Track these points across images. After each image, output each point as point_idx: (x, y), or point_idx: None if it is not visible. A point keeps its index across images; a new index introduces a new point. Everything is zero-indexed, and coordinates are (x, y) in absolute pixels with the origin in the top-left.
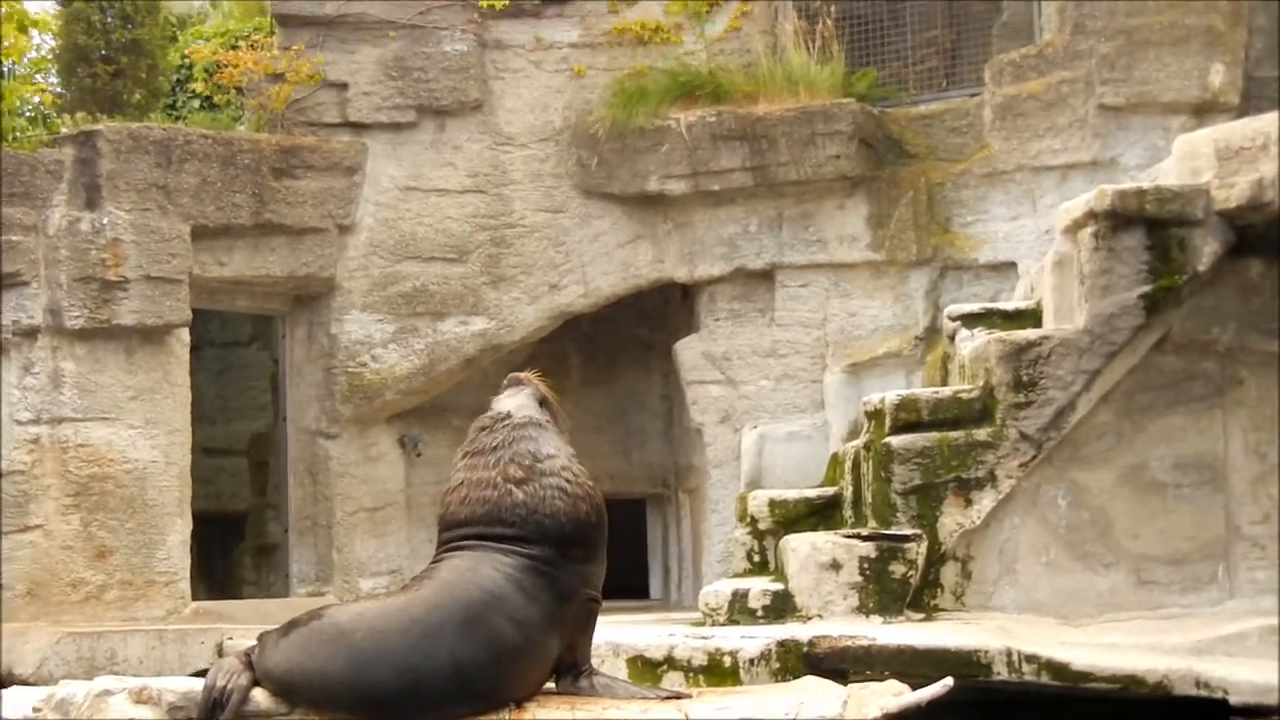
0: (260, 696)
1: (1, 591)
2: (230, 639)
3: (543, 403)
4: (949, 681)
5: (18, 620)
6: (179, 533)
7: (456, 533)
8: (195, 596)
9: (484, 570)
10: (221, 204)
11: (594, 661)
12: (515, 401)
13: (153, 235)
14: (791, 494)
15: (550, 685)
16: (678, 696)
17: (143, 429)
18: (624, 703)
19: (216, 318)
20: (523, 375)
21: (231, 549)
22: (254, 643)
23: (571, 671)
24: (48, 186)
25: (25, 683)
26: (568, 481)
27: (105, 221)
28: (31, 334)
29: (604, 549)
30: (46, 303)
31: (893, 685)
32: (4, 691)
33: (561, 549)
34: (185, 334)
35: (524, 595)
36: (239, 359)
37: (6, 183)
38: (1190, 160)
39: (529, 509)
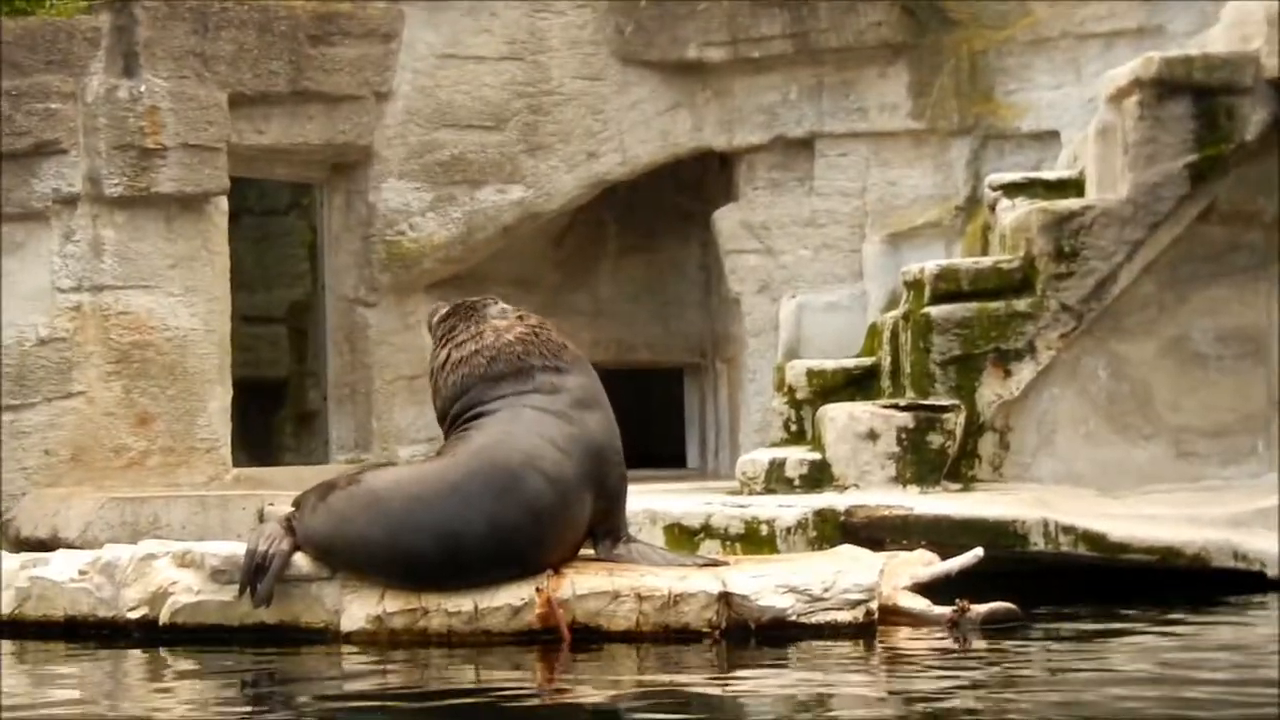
0: (301, 560)
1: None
2: (271, 505)
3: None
4: (979, 551)
5: (62, 486)
6: (219, 400)
7: (468, 399)
8: (236, 463)
9: (516, 431)
10: (258, 71)
11: (631, 529)
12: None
13: (190, 103)
14: (829, 364)
15: (588, 552)
16: (715, 564)
17: (182, 297)
18: (662, 569)
19: (254, 186)
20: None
21: (271, 416)
22: (294, 508)
23: (609, 537)
24: (85, 54)
25: (71, 546)
26: (546, 327)
27: (143, 89)
28: (71, 202)
29: (605, 400)
30: (86, 170)
31: (923, 555)
32: (51, 555)
33: (572, 387)
34: (224, 202)
35: (557, 451)
36: (277, 227)
37: (44, 50)
38: (1239, 27)
39: (525, 345)
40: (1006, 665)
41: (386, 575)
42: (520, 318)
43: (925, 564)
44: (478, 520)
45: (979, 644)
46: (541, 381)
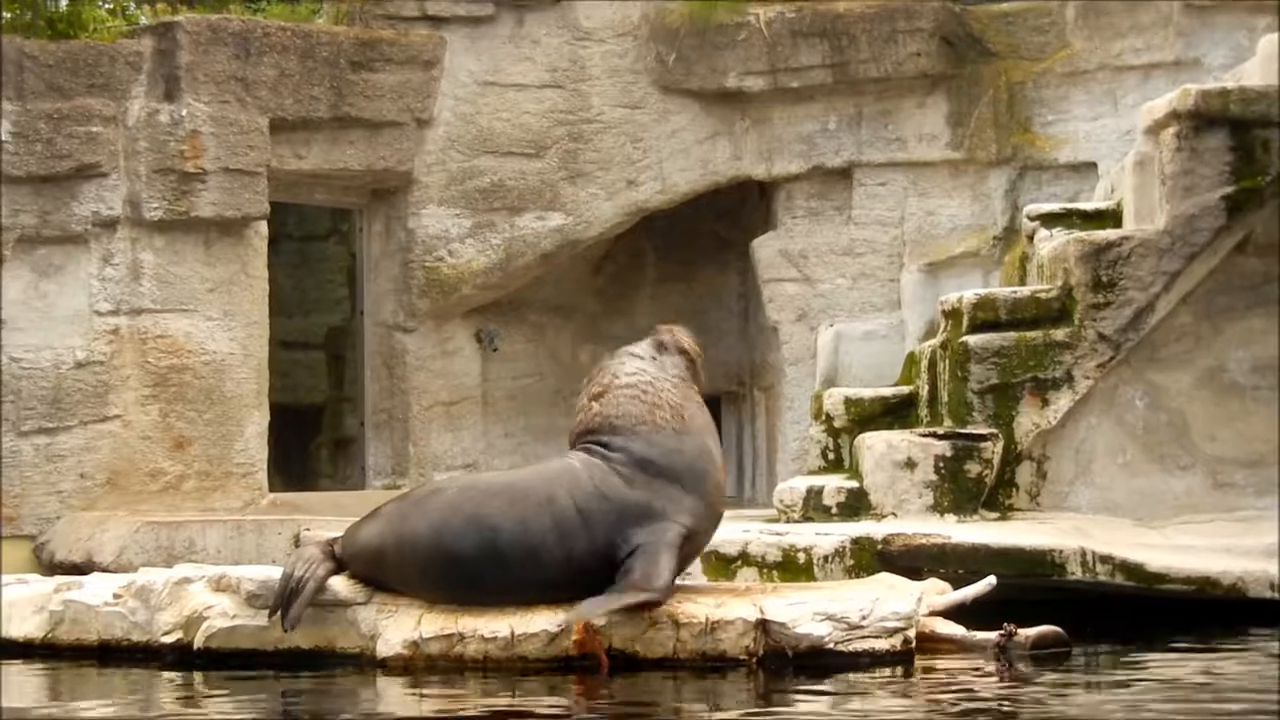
0: (338, 585)
1: None
2: (307, 530)
3: (661, 347)
4: (992, 580)
5: (97, 510)
6: (256, 424)
7: (583, 435)
8: (272, 488)
9: (573, 463)
10: (300, 97)
11: None
12: (631, 346)
13: (231, 127)
14: (867, 392)
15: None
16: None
17: (221, 321)
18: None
19: (294, 211)
20: (664, 326)
21: (308, 442)
22: (332, 534)
23: (625, 577)
24: (127, 78)
25: (105, 571)
26: (644, 391)
27: (184, 113)
28: (111, 225)
29: (697, 477)
30: (126, 194)
31: (935, 583)
32: (85, 579)
33: (643, 456)
34: (263, 227)
35: (592, 485)
36: (316, 252)
37: (86, 74)
38: (1275, 60)
39: (604, 416)
40: (1041, 690)
41: (429, 576)
42: (618, 386)
43: (939, 592)
44: (512, 517)
45: (1023, 670)
46: (610, 438)
